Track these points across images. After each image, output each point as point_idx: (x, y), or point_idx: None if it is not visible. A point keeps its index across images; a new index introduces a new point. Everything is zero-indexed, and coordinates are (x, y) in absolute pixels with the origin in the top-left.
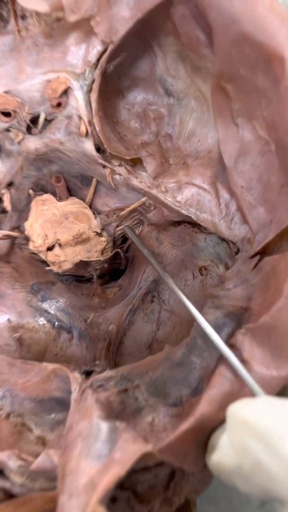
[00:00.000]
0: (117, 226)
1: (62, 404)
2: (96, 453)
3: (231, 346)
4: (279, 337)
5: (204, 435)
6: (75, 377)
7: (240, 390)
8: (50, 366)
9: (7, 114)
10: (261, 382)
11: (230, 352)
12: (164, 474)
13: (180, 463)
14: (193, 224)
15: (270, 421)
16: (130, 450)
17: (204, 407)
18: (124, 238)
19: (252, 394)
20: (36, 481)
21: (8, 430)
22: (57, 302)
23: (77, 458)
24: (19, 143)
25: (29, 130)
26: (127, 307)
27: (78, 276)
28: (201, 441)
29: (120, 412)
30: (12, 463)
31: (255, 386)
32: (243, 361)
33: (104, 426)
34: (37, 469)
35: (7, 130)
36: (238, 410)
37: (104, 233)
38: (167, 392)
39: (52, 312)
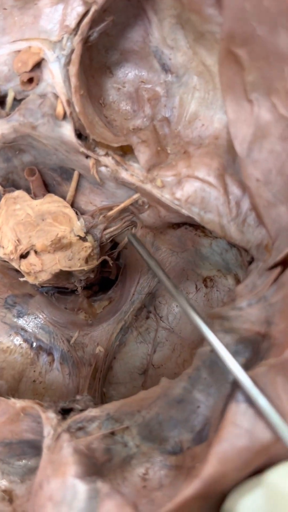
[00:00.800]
0: (105, 229)
1: (35, 447)
2: None
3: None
4: None
5: (213, 503)
6: (49, 417)
7: (264, 446)
8: (18, 403)
9: None
10: None
11: (251, 383)
12: None
13: None
14: (196, 227)
15: None
16: None
17: (213, 467)
18: (114, 243)
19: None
20: None
21: None
22: (35, 318)
23: None
24: None
25: None
26: (117, 325)
27: (60, 287)
28: (209, 509)
29: (104, 463)
30: None
31: None
32: None
33: (81, 490)
34: None
35: None
36: (279, 480)
37: (89, 237)
38: (164, 436)
39: (29, 330)
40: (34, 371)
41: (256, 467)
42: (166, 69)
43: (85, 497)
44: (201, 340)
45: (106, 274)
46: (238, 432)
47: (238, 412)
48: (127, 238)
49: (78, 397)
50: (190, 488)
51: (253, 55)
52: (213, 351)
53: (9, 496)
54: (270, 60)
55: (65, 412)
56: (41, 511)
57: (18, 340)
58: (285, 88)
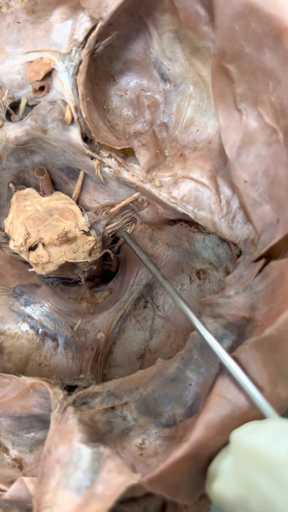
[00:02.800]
0: (107, 225)
1: (43, 421)
2: (76, 485)
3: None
4: (286, 353)
5: (201, 464)
6: (56, 393)
7: (243, 413)
8: (28, 380)
9: None
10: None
11: (236, 366)
12: (154, 507)
13: (172, 495)
14: (191, 223)
15: (281, 451)
16: (114, 483)
17: (200, 432)
18: (115, 238)
19: (258, 417)
20: None
21: None
22: (41, 306)
23: (54, 490)
24: None
25: (8, 116)
26: (117, 313)
27: (64, 278)
28: (197, 470)
29: (105, 433)
30: None
31: (266, 406)
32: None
33: (86, 452)
34: (11, 499)
35: None
36: (244, 437)
37: (93, 232)
38: (159, 411)
39: (36, 317)
40: (40, 355)
41: None
42: (165, 78)
43: (89, 459)
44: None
45: (107, 266)
46: (222, 402)
47: (223, 386)
48: (122, 235)
49: (81, 375)
50: (180, 451)
51: (241, 70)
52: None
53: (19, 464)
54: (257, 75)
55: (70, 389)
56: (50, 472)
57: (25, 327)
58: (270, 100)
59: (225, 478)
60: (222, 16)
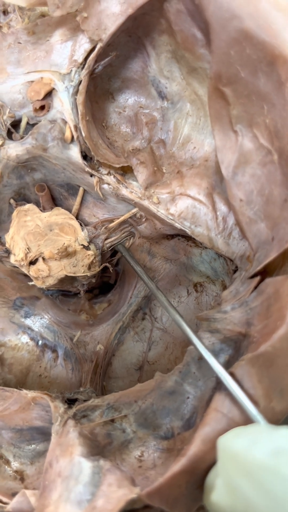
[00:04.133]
0: (106, 239)
1: (44, 434)
2: (77, 498)
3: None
4: (280, 369)
5: (198, 477)
6: (57, 406)
7: (239, 426)
8: (30, 393)
9: None
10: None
11: (229, 377)
12: None
13: (170, 508)
14: (188, 238)
15: (261, 456)
16: (114, 496)
17: (197, 447)
18: (114, 252)
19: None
20: None
21: None
22: (41, 318)
23: (56, 503)
24: None
25: (9, 135)
26: (116, 325)
27: (64, 291)
28: (194, 483)
29: (105, 446)
30: None
31: (255, 413)
32: None
33: (86, 466)
34: (13, 511)
35: None
36: (228, 442)
37: (92, 246)
38: (158, 424)
39: (36, 329)
40: (40, 366)
41: None
42: (162, 96)
43: (89, 472)
44: None
45: (106, 279)
46: (219, 416)
47: (219, 400)
48: (118, 248)
49: (81, 389)
50: (177, 465)
51: (237, 93)
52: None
53: (21, 476)
54: (252, 98)
55: (70, 402)
56: (51, 485)
57: (25, 338)
58: (264, 122)
59: (219, 490)
60: (218, 41)
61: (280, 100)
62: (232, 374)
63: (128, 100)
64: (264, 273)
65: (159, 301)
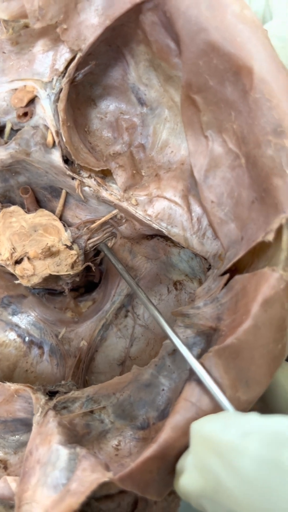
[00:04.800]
0: (88, 239)
1: (27, 425)
2: (53, 483)
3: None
4: (245, 360)
5: (168, 463)
6: (38, 398)
7: (206, 415)
8: (13, 386)
9: None
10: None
11: (200, 367)
12: (127, 503)
13: (142, 492)
14: (167, 238)
15: (231, 437)
16: (87, 480)
17: (167, 434)
18: (97, 251)
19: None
20: None
21: None
22: (28, 316)
23: (34, 487)
24: None
25: None
26: (100, 322)
27: (50, 289)
28: (165, 469)
29: (84, 435)
30: None
31: (225, 401)
32: None
33: (63, 453)
34: None
35: None
36: (200, 426)
37: (75, 246)
38: (134, 415)
39: (23, 326)
40: (27, 362)
41: None
42: (142, 102)
43: (66, 459)
44: None
45: (91, 277)
46: (188, 405)
47: (189, 390)
48: (100, 247)
49: (63, 382)
50: (148, 451)
51: (206, 101)
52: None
53: (4, 465)
54: (220, 105)
55: (51, 394)
56: (30, 472)
57: (12, 335)
58: (232, 128)
59: (187, 472)
60: (188, 52)
61: (246, 107)
62: (202, 365)
63: (110, 106)
64: (235, 270)
65: (138, 297)
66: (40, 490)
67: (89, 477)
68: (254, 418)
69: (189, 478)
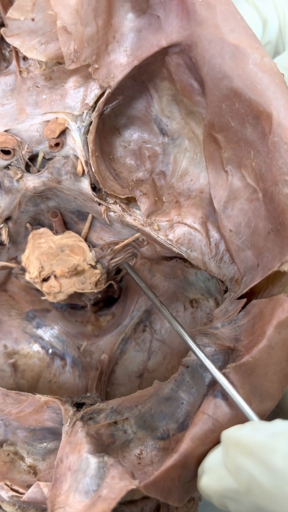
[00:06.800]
0: (111, 259)
1: (54, 433)
2: (84, 488)
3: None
4: (259, 376)
5: (189, 471)
6: (67, 409)
7: (221, 426)
8: (43, 398)
9: (7, 152)
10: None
11: (224, 379)
12: (150, 508)
13: (165, 498)
14: (185, 259)
15: (261, 438)
16: (116, 487)
17: (187, 444)
18: (118, 270)
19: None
20: None
21: (1, 459)
22: (51, 329)
23: (66, 493)
24: (17, 181)
25: (27, 168)
26: (119, 336)
27: (72, 304)
28: (186, 476)
29: (109, 445)
30: (4, 494)
31: (249, 411)
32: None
33: (92, 461)
34: (29, 500)
35: (7, 167)
36: (231, 433)
37: (99, 266)
38: (155, 426)
39: (46, 338)
40: (50, 372)
41: (216, 442)
42: (163, 132)
43: (95, 467)
44: (187, 350)
45: (111, 293)
46: (205, 418)
47: (206, 404)
48: (123, 266)
49: (88, 394)
50: (170, 460)
51: (228, 139)
52: (195, 359)
53: (34, 470)
54: (240, 144)
55: (78, 406)
56: (62, 478)
57: (36, 347)
58: (251, 165)
59: (210, 473)
60: (211, 96)
61: (264, 148)
62: (226, 377)
63: (133, 135)
64: (251, 294)
65: (162, 313)
66: (72, 495)
67: (118, 484)
68: (280, 422)
69: (213, 478)
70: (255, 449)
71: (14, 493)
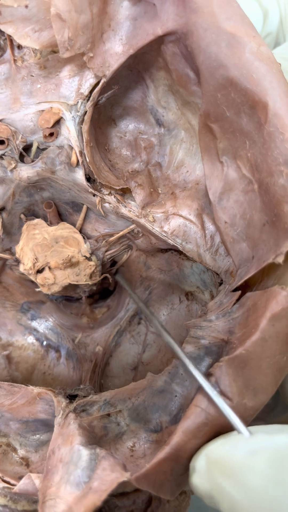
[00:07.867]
0: (106, 251)
1: (47, 425)
2: (75, 480)
3: (209, 375)
4: (252, 369)
5: (181, 465)
6: (60, 401)
7: (214, 419)
8: (36, 389)
9: (1, 142)
10: (235, 412)
11: (207, 384)
12: (142, 501)
13: (156, 491)
14: (180, 252)
15: (240, 457)
16: (108, 479)
17: (179, 437)
18: (113, 262)
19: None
20: (18, 503)
21: None
22: (46, 321)
23: (57, 484)
24: (11, 171)
25: (21, 158)
26: (114, 328)
27: (67, 296)
28: (178, 470)
29: (101, 437)
30: None
31: (234, 417)
32: (220, 392)
33: (84, 453)
34: (20, 492)
35: (1, 157)
36: (213, 449)
37: (93, 257)
38: (148, 418)
39: (41, 330)
40: (44, 365)
41: (209, 435)
42: (159, 123)
43: (87, 459)
44: (181, 343)
45: (106, 285)
46: (198, 411)
47: (199, 398)
48: (116, 278)
49: (81, 386)
50: (162, 453)
51: (223, 129)
52: (190, 351)
53: (26, 462)
54: (236, 134)
55: (71, 398)
56: (53, 470)
57: (31, 339)
58: (247, 156)
59: (199, 475)
60: (207, 85)
61: (260, 138)
62: (211, 374)
63: (129, 126)
64: (245, 286)
65: (150, 321)
66: (64, 487)
67: (109, 476)
68: (261, 437)
69: (200, 481)
70: (234, 470)
71: (6, 485)
